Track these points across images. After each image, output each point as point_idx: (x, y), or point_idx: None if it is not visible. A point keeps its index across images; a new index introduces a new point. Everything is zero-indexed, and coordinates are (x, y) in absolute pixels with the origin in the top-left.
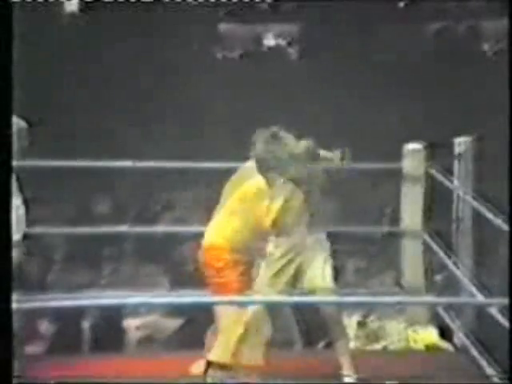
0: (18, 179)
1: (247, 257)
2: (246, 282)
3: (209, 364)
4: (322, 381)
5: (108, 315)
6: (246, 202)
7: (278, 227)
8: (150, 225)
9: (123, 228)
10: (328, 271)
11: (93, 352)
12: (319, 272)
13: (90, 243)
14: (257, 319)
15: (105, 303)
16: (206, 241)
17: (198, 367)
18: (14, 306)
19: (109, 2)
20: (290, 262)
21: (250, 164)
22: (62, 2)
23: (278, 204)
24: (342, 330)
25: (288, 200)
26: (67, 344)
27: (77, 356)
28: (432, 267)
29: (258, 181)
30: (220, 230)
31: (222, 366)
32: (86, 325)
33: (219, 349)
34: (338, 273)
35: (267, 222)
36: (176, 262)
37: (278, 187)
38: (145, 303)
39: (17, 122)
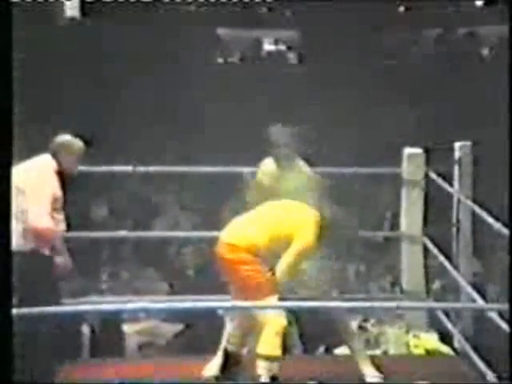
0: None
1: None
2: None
3: (227, 357)
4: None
5: (108, 320)
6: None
7: None
8: (148, 230)
9: (122, 233)
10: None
11: (93, 357)
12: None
13: (89, 248)
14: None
15: (104, 308)
16: (238, 241)
17: (210, 369)
18: (14, 311)
19: (108, 3)
20: None
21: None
22: (63, 7)
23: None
24: (352, 333)
25: None
26: (67, 349)
27: (77, 361)
28: (432, 271)
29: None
30: (251, 238)
31: (271, 358)
32: (85, 330)
33: (268, 342)
34: (337, 277)
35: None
36: (175, 267)
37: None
38: (144, 308)
39: (77, 143)
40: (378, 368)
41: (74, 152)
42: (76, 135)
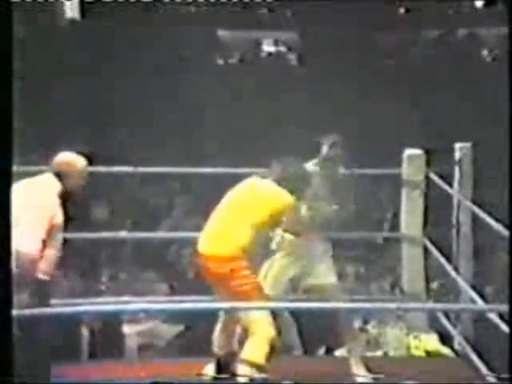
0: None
1: (254, 259)
2: (257, 282)
3: (219, 362)
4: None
5: (107, 322)
6: (273, 213)
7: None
8: (149, 231)
9: (122, 234)
10: (333, 270)
11: (92, 358)
12: (326, 271)
13: (89, 249)
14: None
15: (104, 309)
16: (219, 251)
17: (209, 370)
18: (14, 312)
19: (108, 3)
20: (291, 262)
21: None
22: (63, 8)
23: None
24: (354, 332)
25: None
26: (67, 350)
27: (76, 362)
28: (432, 272)
29: (284, 195)
30: (234, 240)
31: (254, 365)
32: (85, 331)
33: (253, 349)
34: (337, 278)
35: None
36: (175, 268)
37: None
38: (144, 309)
39: (80, 161)
40: (369, 369)
41: (78, 171)
42: (78, 152)
